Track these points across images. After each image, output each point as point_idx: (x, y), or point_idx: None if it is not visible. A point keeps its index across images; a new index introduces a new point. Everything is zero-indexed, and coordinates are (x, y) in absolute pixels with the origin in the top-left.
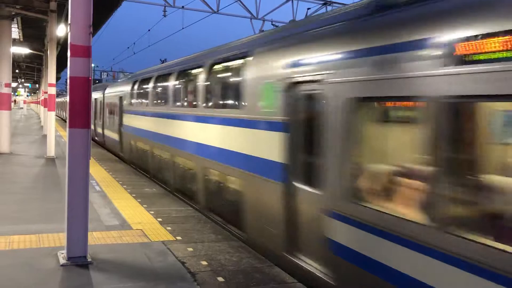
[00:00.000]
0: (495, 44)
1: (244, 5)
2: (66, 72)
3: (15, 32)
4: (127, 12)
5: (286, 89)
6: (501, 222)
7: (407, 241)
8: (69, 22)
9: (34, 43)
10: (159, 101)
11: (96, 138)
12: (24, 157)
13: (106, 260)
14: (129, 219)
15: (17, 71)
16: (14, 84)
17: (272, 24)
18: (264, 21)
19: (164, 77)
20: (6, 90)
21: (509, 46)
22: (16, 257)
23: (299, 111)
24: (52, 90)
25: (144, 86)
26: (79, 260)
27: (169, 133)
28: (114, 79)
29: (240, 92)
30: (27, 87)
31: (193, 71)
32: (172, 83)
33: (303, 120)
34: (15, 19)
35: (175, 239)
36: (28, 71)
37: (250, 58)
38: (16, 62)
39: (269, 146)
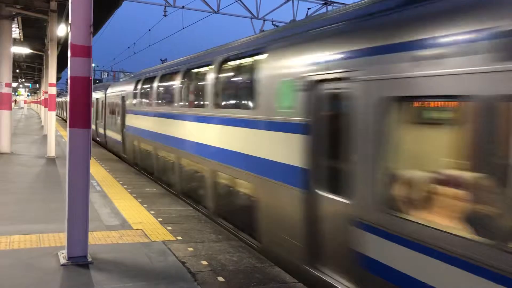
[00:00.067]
0: None
1: (245, 5)
2: (67, 72)
3: (16, 32)
4: (127, 12)
5: (307, 87)
6: None
7: (451, 258)
8: (69, 22)
9: (34, 43)
10: (164, 101)
11: (97, 138)
12: (24, 157)
13: (106, 260)
14: (130, 219)
15: (17, 71)
16: (14, 84)
17: (272, 24)
18: (264, 21)
19: (169, 76)
20: (6, 90)
21: None
22: (17, 256)
23: (322, 111)
24: (53, 90)
25: (149, 86)
26: (79, 260)
27: (175, 135)
28: (115, 79)
29: (254, 91)
30: (28, 87)
31: (201, 70)
32: (178, 82)
33: (327, 121)
34: (15, 19)
35: (175, 239)
36: (28, 71)
37: (265, 55)
38: (17, 62)
39: (287, 149)
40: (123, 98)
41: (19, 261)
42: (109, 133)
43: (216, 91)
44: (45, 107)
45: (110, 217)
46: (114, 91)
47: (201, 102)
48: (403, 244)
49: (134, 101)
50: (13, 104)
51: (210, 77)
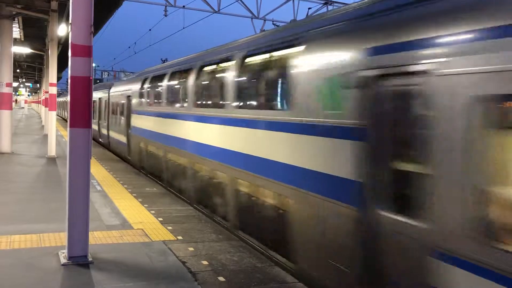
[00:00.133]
0: None
1: (245, 5)
2: (67, 72)
3: (16, 31)
4: (128, 12)
5: (364, 84)
6: None
7: None
8: (70, 21)
9: (35, 42)
10: (176, 101)
11: (100, 139)
12: (25, 157)
13: (106, 260)
14: (130, 218)
15: (18, 70)
16: (15, 84)
17: (273, 24)
18: (265, 20)
19: (181, 73)
20: (7, 90)
21: None
22: (17, 256)
23: (386, 113)
24: (53, 90)
25: (157, 84)
26: (80, 260)
27: (189, 137)
28: (115, 79)
29: (286, 89)
30: (28, 86)
31: (219, 66)
32: (191, 80)
33: (393, 125)
34: (16, 19)
35: (176, 239)
36: (29, 70)
37: (302, 47)
38: (17, 61)
39: (335, 158)
40: (128, 98)
41: (20, 261)
42: (113, 134)
43: (238, 90)
44: (45, 106)
45: (110, 217)
46: (118, 90)
47: (220, 102)
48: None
49: (141, 101)
50: (13, 104)
51: (231, 74)
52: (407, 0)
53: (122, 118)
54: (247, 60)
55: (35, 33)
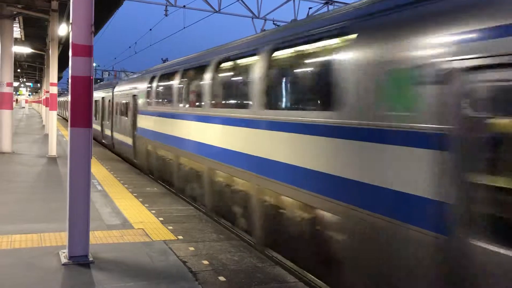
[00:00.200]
0: None
1: (246, 5)
2: (68, 72)
3: (17, 31)
4: (128, 12)
5: (444, 79)
6: None
7: None
8: (70, 21)
9: (35, 42)
10: (189, 101)
11: (103, 140)
12: (26, 156)
13: (107, 259)
14: (131, 218)
15: (18, 70)
16: (15, 84)
17: (273, 24)
18: (265, 20)
19: (195, 70)
20: (7, 90)
21: None
22: (18, 256)
23: (482, 115)
24: (54, 90)
25: (167, 83)
26: (80, 259)
27: (204, 141)
28: (116, 79)
29: (331, 86)
30: (29, 86)
31: (240, 62)
32: (208, 78)
33: (491, 131)
34: (16, 19)
35: (176, 239)
36: (29, 70)
37: (353, 36)
38: (18, 61)
39: (403, 170)
40: (135, 97)
41: (20, 261)
42: (117, 135)
43: (265, 89)
44: (46, 106)
45: (111, 217)
46: (123, 89)
47: (244, 103)
48: None
49: (149, 101)
50: (14, 103)
51: (256, 70)
52: None
53: (127, 118)
54: (277, 53)
55: (36, 33)
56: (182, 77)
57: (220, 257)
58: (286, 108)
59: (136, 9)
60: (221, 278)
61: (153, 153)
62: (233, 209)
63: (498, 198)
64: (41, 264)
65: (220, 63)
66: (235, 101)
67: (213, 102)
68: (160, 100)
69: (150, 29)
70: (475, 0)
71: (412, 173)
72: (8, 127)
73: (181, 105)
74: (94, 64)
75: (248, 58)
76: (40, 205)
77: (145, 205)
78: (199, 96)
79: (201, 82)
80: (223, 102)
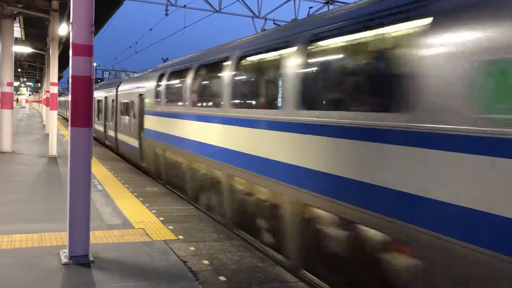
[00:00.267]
0: None
1: (246, 4)
2: (68, 71)
3: (17, 31)
4: (128, 11)
5: None
6: None
7: None
8: (71, 21)
9: (36, 42)
10: (204, 100)
11: (106, 142)
12: (26, 156)
13: (108, 259)
14: (131, 218)
15: (19, 70)
16: (16, 83)
17: (274, 23)
18: (266, 20)
19: (213, 66)
20: (8, 89)
21: None
22: (18, 256)
23: None
24: (54, 89)
25: (179, 81)
26: (81, 259)
27: (224, 145)
28: (116, 78)
29: (398, 82)
30: (29, 86)
31: (269, 56)
32: (229, 75)
33: None
34: (17, 18)
35: (176, 238)
36: (30, 70)
37: (427, 20)
38: (18, 61)
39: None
40: (141, 96)
41: (21, 260)
42: (122, 137)
43: (301, 87)
44: (46, 106)
45: (111, 216)
46: (129, 88)
47: (275, 102)
48: None
49: (157, 100)
50: (15, 103)
51: (290, 64)
52: None
53: (133, 119)
54: (314, 45)
55: (36, 32)
56: (196, 74)
57: (220, 257)
58: (332, 109)
59: (137, 8)
60: (222, 278)
61: (163, 157)
62: (258, 223)
63: None
64: (42, 264)
65: (242, 58)
66: (262, 101)
67: (234, 102)
68: (171, 100)
69: (151, 29)
70: None
71: None
72: (8, 126)
73: (195, 105)
74: (95, 64)
75: (283, 51)
76: (40, 204)
77: (146, 204)
78: (216, 95)
79: (220, 80)
80: (247, 102)
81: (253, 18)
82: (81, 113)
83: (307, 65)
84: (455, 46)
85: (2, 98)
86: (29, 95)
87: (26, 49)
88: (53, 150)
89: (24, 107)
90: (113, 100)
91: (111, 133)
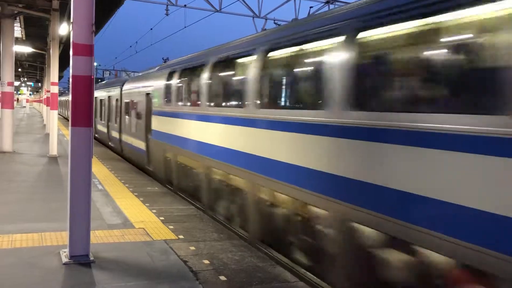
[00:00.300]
0: None
1: (247, 4)
2: (69, 71)
3: (18, 31)
4: (129, 11)
5: None
6: None
7: None
8: (71, 20)
9: (36, 42)
10: (225, 100)
11: (110, 143)
12: (26, 156)
13: (108, 259)
14: (131, 217)
15: (19, 69)
16: (16, 83)
17: (274, 23)
18: (266, 19)
19: (231, 63)
20: (8, 89)
21: None
22: (19, 255)
23: None
24: (55, 89)
25: (192, 78)
26: (81, 259)
27: (250, 151)
28: (116, 78)
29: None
30: (30, 85)
31: (306, 49)
32: (253, 72)
33: None
34: (17, 18)
35: (177, 238)
36: (30, 69)
37: None
38: (19, 61)
39: None
40: (148, 96)
41: (21, 260)
42: (126, 138)
43: (353, 84)
44: (47, 106)
45: (112, 216)
46: (134, 87)
47: (319, 101)
48: None
49: (167, 99)
50: (15, 103)
51: (336, 58)
52: None
53: (139, 119)
54: (366, 34)
55: (37, 32)
56: (213, 71)
57: (221, 257)
58: (395, 109)
59: (137, 8)
60: (222, 278)
61: (173, 161)
62: (291, 240)
63: None
64: (42, 263)
65: (269, 52)
66: (302, 101)
67: (259, 102)
68: (184, 99)
69: (151, 29)
70: None
71: None
72: (9, 126)
73: (211, 105)
74: (95, 64)
75: (318, 42)
76: (40, 204)
77: (146, 204)
78: (238, 94)
79: (243, 77)
80: (277, 102)
81: (253, 17)
82: (81, 113)
83: (358, 59)
84: None
85: (3, 98)
86: (30, 94)
87: (27, 49)
88: (53, 150)
89: (25, 106)
90: (117, 100)
91: (114, 134)
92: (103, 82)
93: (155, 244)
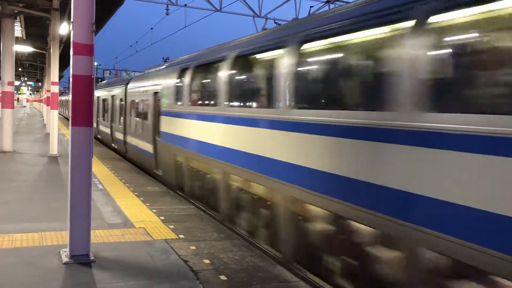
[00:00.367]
0: None
1: (247, 3)
2: (69, 70)
3: (18, 30)
4: (129, 11)
5: None
6: None
7: None
8: (71, 20)
9: (37, 41)
10: (250, 100)
11: (113, 145)
12: (27, 156)
13: (108, 258)
14: (132, 217)
15: (20, 69)
16: (17, 83)
17: (275, 23)
18: (266, 19)
19: (257, 57)
20: (9, 89)
21: None
22: (19, 255)
23: None
24: (55, 89)
25: (208, 76)
26: (81, 258)
27: (291, 159)
28: (120, 77)
29: None
30: (30, 85)
31: (355, 38)
32: (286, 67)
33: None
34: (18, 18)
35: (177, 238)
36: (31, 69)
37: None
38: (19, 60)
39: None
40: (156, 95)
41: (21, 260)
42: (132, 140)
43: (429, 79)
44: (47, 105)
45: (112, 216)
46: (140, 86)
47: (385, 101)
48: None
49: (178, 99)
50: (15, 102)
51: (401, 50)
52: None
53: (146, 120)
54: (444, 17)
55: (37, 31)
56: (232, 68)
57: (221, 256)
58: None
59: (137, 8)
60: (222, 277)
61: (186, 166)
62: (332, 261)
63: None
64: (42, 263)
65: (305, 43)
66: (360, 99)
67: (295, 101)
68: (199, 99)
69: (151, 28)
70: None
71: None
72: (9, 126)
73: (233, 105)
74: (95, 63)
75: (370, 30)
76: (41, 204)
77: (146, 204)
78: (267, 93)
79: (274, 74)
80: (322, 101)
81: (253, 17)
82: (81, 113)
83: (432, 47)
84: None
85: (3, 98)
86: (30, 94)
87: (27, 48)
88: (53, 150)
89: (25, 106)
90: (121, 99)
91: (118, 135)
92: (106, 81)
93: (155, 243)
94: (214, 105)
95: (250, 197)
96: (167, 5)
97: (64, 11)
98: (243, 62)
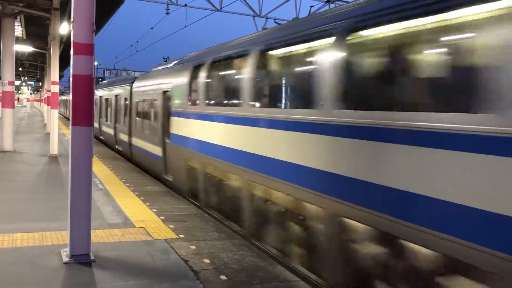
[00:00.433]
0: None
1: (247, 3)
2: (69, 70)
3: (18, 30)
4: (129, 10)
5: None
6: None
7: None
8: (72, 20)
9: (37, 41)
10: (285, 99)
11: (117, 147)
12: (27, 155)
13: (108, 258)
14: (132, 217)
15: (20, 69)
16: (17, 82)
17: (275, 22)
18: (267, 19)
19: (288, 52)
20: (9, 88)
21: None
22: (19, 254)
23: None
24: (55, 88)
25: (228, 73)
26: (82, 258)
27: (334, 169)
28: (124, 76)
29: None
30: (30, 85)
31: (404, 28)
32: (326, 62)
33: None
34: (18, 17)
35: (177, 237)
36: (31, 69)
37: None
38: (19, 60)
39: None
40: (165, 94)
41: (22, 259)
42: (138, 142)
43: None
44: (47, 105)
45: (112, 215)
46: (147, 85)
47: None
48: None
49: (193, 99)
50: (16, 102)
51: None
52: None
53: (154, 121)
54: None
55: (37, 31)
56: (257, 63)
57: (221, 256)
58: None
59: (138, 7)
60: (223, 277)
61: (201, 172)
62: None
63: None
64: (43, 262)
65: (349, 33)
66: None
67: (339, 101)
68: (218, 99)
69: (152, 28)
70: None
71: None
72: (9, 125)
73: (265, 106)
74: (96, 63)
75: (426, 18)
76: (41, 204)
77: (146, 203)
78: (304, 91)
79: (311, 69)
80: (371, 100)
81: (254, 17)
82: (82, 112)
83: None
84: None
85: (3, 97)
86: (30, 94)
87: (27, 48)
88: (54, 149)
89: (25, 106)
90: (126, 99)
91: (123, 137)
92: (109, 79)
93: (155, 243)
94: (239, 105)
95: (284, 210)
96: (167, 4)
97: (64, 10)
98: (270, 58)
